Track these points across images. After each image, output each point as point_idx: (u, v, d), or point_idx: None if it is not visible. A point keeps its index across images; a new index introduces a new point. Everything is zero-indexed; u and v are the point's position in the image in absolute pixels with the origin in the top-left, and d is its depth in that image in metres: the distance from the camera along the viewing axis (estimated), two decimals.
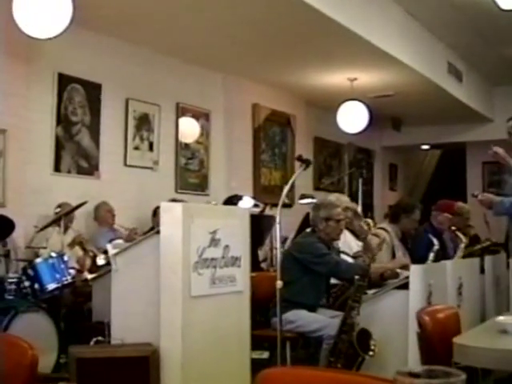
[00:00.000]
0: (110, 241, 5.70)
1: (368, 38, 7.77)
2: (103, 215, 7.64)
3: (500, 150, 6.08)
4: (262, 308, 5.45)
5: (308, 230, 5.75)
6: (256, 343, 5.03)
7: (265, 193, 10.07)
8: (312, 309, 5.48)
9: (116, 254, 4.28)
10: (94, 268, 6.48)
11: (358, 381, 1.87)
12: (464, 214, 8.01)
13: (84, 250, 6.83)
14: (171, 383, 3.90)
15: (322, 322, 5.29)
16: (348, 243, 6.32)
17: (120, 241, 6.06)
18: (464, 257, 6.72)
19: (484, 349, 2.96)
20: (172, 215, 3.97)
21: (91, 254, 6.72)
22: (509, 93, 12.02)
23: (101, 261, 6.14)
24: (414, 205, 7.10)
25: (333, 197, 6.57)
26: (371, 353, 4.96)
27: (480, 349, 2.94)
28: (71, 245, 6.74)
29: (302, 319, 5.32)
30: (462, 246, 6.93)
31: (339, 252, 5.81)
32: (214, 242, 4.16)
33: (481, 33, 9.43)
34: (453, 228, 7.75)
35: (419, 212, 7.02)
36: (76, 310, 6.22)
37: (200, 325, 4.06)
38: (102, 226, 7.59)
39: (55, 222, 6.28)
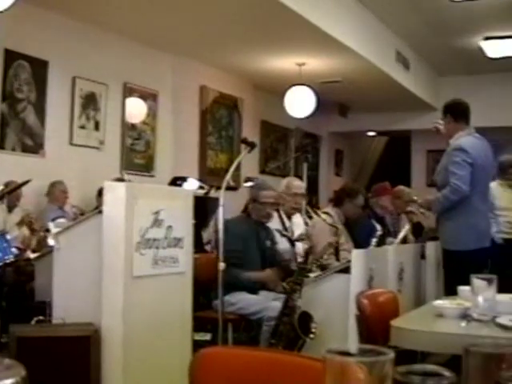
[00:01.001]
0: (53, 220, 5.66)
1: (317, 24, 7.79)
2: (57, 194, 7.62)
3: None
4: (205, 290, 5.47)
5: None
6: (199, 325, 5.05)
7: (211, 175, 10.08)
8: (253, 291, 5.51)
9: (58, 233, 4.25)
10: (40, 247, 6.41)
11: (294, 360, 1.90)
12: (404, 196, 8.12)
13: (32, 229, 6.76)
14: (112, 363, 3.89)
15: (262, 303, 5.33)
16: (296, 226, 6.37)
17: (63, 220, 6.01)
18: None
19: (420, 332, 3.01)
20: (115, 195, 3.94)
21: (42, 233, 6.64)
22: (454, 82, 12.18)
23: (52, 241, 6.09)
24: (358, 190, 7.17)
25: (284, 181, 6.61)
26: (312, 335, 5.02)
27: (416, 332, 3.00)
28: (19, 224, 6.67)
29: (242, 301, 5.35)
30: (407, 227, 7.03)
31: (282, 234, 5.84)
32: (156, 222, 4.14)
33: (429, 23, 9.53)
34: (397, 213, 7.86)
35: (363, 198, 7.09)
36: (18, 290, 6.15)
37: (142, 305, 4.05)
38: (52, 204, 7.54)
39: None
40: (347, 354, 1.17)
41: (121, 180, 7.06)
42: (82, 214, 7.19)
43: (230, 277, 5.00)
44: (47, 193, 7.67)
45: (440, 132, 6.04)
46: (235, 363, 1.91)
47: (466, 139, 5.62)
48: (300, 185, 6.53)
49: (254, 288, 5.55)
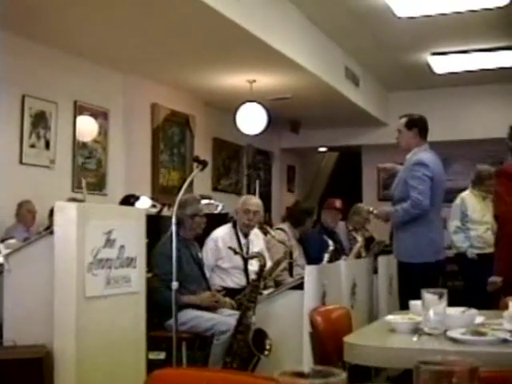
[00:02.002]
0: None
1: (267, 41, 7.84)
2: (23, 214, 7.60)
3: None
4: (158, 309, 5.44)
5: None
6: (153, 344, 5.03)
7: (163, 193, 10.04)
8: (207, 308, 5.51)
9: (8, 254, 4.20)
10: None
11: (241, 380, 1.90)
12: (362, 213, 8.21)
13: None
14: None
15: (212, 319, 5.33)
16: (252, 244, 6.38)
17: (13, 240, 5.94)
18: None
19: (373, 347, 3.03)
20: (66, 215, 3.92)
21: None
22: (403, 98, 12.35)
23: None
24: (314, 206, 7.27)
25: (242, 198, 6.65)
26: (266, 352, 5.03)
27: (369, 347, 3.02)
28: None
29: (193, 319, 5.34)
30: (358, 245, 7.10)
31: (235, 252, 5.85)
32: (109, 242, 4.13)
33: (377, 39, 9.65)
34: (350, 228, 7.95)
35: (313, 217, 7.20)
36: None
37: (95, 326, 4.02)
38: (19, 224, 7.53)
39: None
40: (300, 374, 1.19)
41: (75, 200, 7.02)
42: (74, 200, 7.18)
43: (166, 301, 4.95)
44: (16, 213, 7.65)
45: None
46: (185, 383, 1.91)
47: (424, 154, 5.72)
48: (254, 202, 6.53)
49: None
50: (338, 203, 8.08)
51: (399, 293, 5.89)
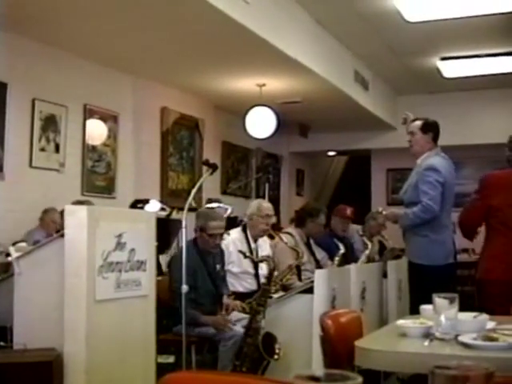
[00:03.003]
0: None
1: (277, 45, 7.84)
2: (47, 222, 7.64)
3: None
4: (168, 312, 5.45)
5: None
6: (162, 347, 5.03)
7: (172, 196, 10.05)
8: (214, 313, 5.51)
9: (19, 257, 4.20)
10: (5, 269, 6.31)
11: None
12: (378, 219, 8.20)
13: None
14: None
15: None
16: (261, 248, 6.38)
17: (23, 244, 5.95)
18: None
19: (384, 352, 3.03)
20: (76, 218, 3.92)
21: (2, 252, 6.54)
22: (412, 102, 12.31)
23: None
24: (320, 209, 7.22)
25: (254, 203, 6.61)
26: (276, 356, 5.03)
27: (380, 352, 3.01)
28: None
29: (199, 325, 5.34)
30: (367, 252, 7.09)
31: (245, 256, 5.84)
32: (119, 245, 4.13)
33: (387, 43, 9.65)
34: (360, 232, 7.94)
35: (324, 216, 7.15)
36: None
37: (105, 329, 4.02)
38: (41, 229, 7.57)
39: None
40: (315, 378, 1.18)
41: (81, 202, 7.03)
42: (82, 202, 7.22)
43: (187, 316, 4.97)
44: (40, 218, 7.68)
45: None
46: None
47: (436, 159, 5.72)
48: (269, 206, 6.55)
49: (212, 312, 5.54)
50: (349, 211, 8.05)
51: (410, 295, 5.90)
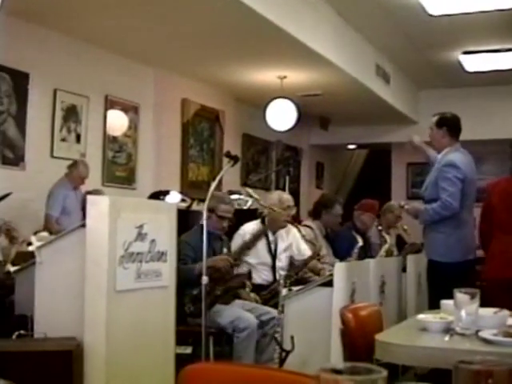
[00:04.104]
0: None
1: (298, 37, 7.83)
2: (73, 175, 7.74)
3: (417, 139, 6.22)
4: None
5: None
6: (179, 338, 5.04)
7: (192, 188, 10.07)
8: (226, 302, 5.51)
9: (40, 247, 4.23)
10: (20, 260, 6.35)
11: (279, 376, 1.90)
12: (395, 211, 8.17)
13: (11, 238, 6.70)
14: (94, 378, 3.87)
15: (232, 315, 5.33)
16: (297, 244, 6.36)
17: (45, 233, 5.98)
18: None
19: (404, 346, 3.03)
20: (98, 208, 3.94)
21: (23, 241, 6.58)
22: (433, 96, 12.27)
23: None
24: (334, 200, 7.20)
25: (274, 195, 6.60)
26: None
27: (401, 346, 3.01)
28: None
29: (213, 314, 5.33)
30: (386, 246, 7.07)
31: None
32: (140, 236, 4.14)
33: (409, 37, 9.60)
34: (379, 228, 7.91)
35: (340, 206, 7.13)
36: None
37: (124, 319, 4.04)
38: (67, 182, 7.71)
39: None
40: (339, 371, 1.18)
41: (97, 192, 7.07)
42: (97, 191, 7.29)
43: (184, 273, 4.97)
44: (66, 172, 7.78)
45: (415, 145, 6.11)
46: (220, 379, 1.91)
47: (455, 155, 5.68)
48: (290, 198, 6.54)
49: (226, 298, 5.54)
50: (377, 207, 8.00)
51: (428, 291, 5.88)
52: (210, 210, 5.52)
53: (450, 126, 5.79)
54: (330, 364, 1.17)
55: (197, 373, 1.98)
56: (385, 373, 1.13)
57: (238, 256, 5.77)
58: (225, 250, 5.84)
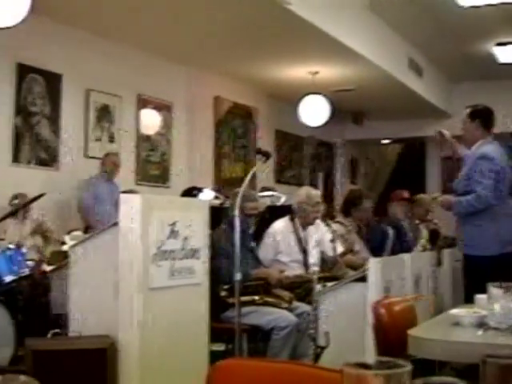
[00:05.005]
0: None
1: (330, 32, 7.81)
2: (107, 164, 7.86)
3: (446, 132, 6.15)
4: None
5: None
6: (215, 335, 5.04)
7: (226, 185, 10.07)
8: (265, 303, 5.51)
9: (74, 246, 4.26)
10: (55, 260, 6.42)
11: (311, 372, 1.89)
12: (424, 204, 8.11)
13: (46, 238, 6.78)
14: (129, 375, 3.89)
15: (272, 314, 5.32)
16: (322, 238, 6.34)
17: (78, 232, 6.03)
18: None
19: (437, 341, 3.00)
20: (131, 207, 3.96)
21: (58, 241, 6.65)
22: (467, 89, 12.15)
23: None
24: (362, 195, 7.15)
25: (303, 191, 6.57)
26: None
27: (433, 341, 2.98)
28: (32, 233, 6.70)
29: (251, 313, 5.33)
30: (423, 240, 7.01)
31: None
32: (173, 233, 4.15)
33: (441, 29, 9.52)
34: (416, 222, 7.85)
35: (369, 201, 7.07)
36: (34, 303, 6.16)
37: (158, 317, 4.05)
38: (101, 175, 7.88)
39: (13, 214, 6.23)
40: (365, 366, 1.18)
41: (132, 193, 7.12)
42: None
43: (229, 274, 4.95)
44: (101, 162, 7.96)
45: (443, 138, 6.04)
46: (252, 375, 1.91)
47: (488, 147, 5.61)
48: (318, 193, 6.50)
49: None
50: (405, 193, 7.98)
51: (464, 286, 5.82)
52: (240, 210, 5.53)
53: (483, 118, 5.72)
54: (355, 359, 1.16)
55: (226, 369, 1.98)
56: (409, 367, 1.12)
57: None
58: (253, 244, 5.86)
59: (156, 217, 4.05)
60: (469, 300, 4.51)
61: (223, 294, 5.26)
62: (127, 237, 3.96)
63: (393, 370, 1.11)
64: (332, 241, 5.93)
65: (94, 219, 7.48)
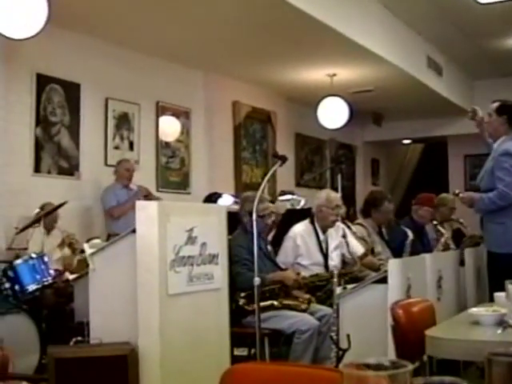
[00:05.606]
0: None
1: (347, 34, 7.79)
2: (121, 172, 7.85)
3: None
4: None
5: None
6: (238, 340, 5.04)
7: (246, 190, 10.06)
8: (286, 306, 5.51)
9: (93, 254, 4.28)
10: (80, 269, 6.45)
11: (308, 372, 1.90)
12: (448, 204, 8.05)
13: (73, 249, 6.82)
14: (150, 381, 3.90)
15: (294, 317, 5.32)
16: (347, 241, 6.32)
17: (97, 240, 6.06)
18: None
19: (455, 340, 2.98)
20: (147, 214, 3.97)
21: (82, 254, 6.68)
22: (488, 86, 12.06)
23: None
24: (382, 197, 7.10)
25: (323, 194, 6.55)
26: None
27: (451, 340, 2.96)
28: (61, 245, 6.74)
29: (272, 317, 5.32)
30: (443, 240, 6.97)
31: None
32: (190, 239, 4.16)
33: (459, 26, 9.47)
34: (434, 222, 7.80)
35: (389, 203, 7.03)
36: (58, 311, 6.21)
37: (178, 323, 4.07)
38: (117, 183, 7.82)
39: (35, 222, 6.27)
40: (367, 366, 1.17)
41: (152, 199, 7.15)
42: (147, 196, 7.40)
43: (247, 280, 4.95)
44: (114, 171, 7.91)
45: (475, 116, 5.99)
46: (263, 378, 1.91)
47: (511, 144, 5.57)
48: (338, 196, 6.47)
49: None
50: (434, 200, 7.90)
51: (489, 284, 5.78)
52: (250, 214, 5.52)
53: (510, 114, 5.68)
54: (357, 360, 1.16)
55: (240, 372, 1.98)
56: (410, 367, 1.11)
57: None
58: (269, 248, 5.86)
59: (173, 223, 4.06)
60: (493, 298, 4.47)
61: (241, 302, 5.26)
62: (145, 243, 3.98)
63: (393, 370, 1.11)
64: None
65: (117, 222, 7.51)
